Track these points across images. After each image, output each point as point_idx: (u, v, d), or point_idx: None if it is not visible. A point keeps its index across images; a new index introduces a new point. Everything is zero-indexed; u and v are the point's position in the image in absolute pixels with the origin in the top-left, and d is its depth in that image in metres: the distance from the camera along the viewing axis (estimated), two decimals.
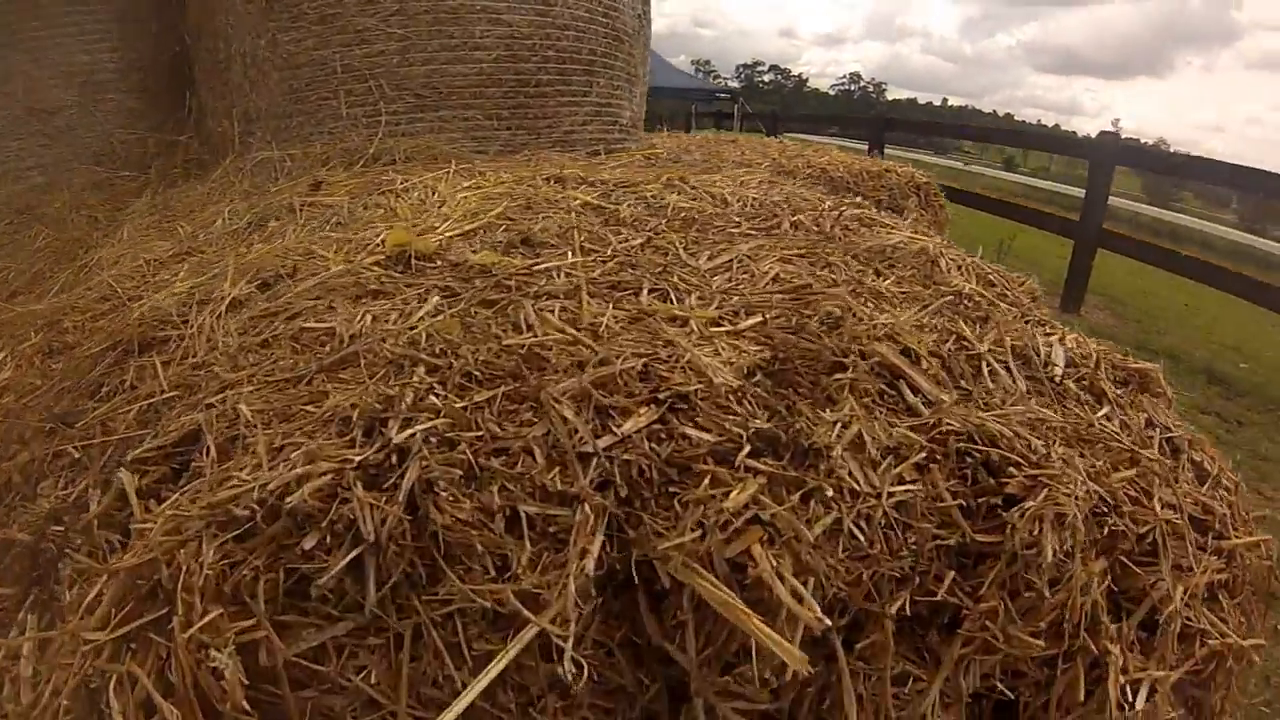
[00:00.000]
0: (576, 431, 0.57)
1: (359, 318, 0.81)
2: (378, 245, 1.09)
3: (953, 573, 0.57)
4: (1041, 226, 4.57)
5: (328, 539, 0.51)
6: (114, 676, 0.49)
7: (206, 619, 0.48)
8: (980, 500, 0.60)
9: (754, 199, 1.37)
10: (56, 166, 2.25)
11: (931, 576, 0.56)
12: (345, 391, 0.65)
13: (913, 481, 0.58)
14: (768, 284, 0.90)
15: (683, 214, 1.22)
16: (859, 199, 1.83)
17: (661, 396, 0.60)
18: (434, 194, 1.41)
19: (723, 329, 0.75)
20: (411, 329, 0.76)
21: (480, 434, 0.58)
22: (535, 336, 0.72)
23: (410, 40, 1.98)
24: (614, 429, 0.57)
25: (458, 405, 0.60)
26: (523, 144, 2.06)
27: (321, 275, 0.99)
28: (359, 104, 1.99)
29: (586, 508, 0.52)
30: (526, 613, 0.49)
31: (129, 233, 1.68)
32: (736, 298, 0.84)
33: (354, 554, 0.50)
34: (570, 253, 0.98)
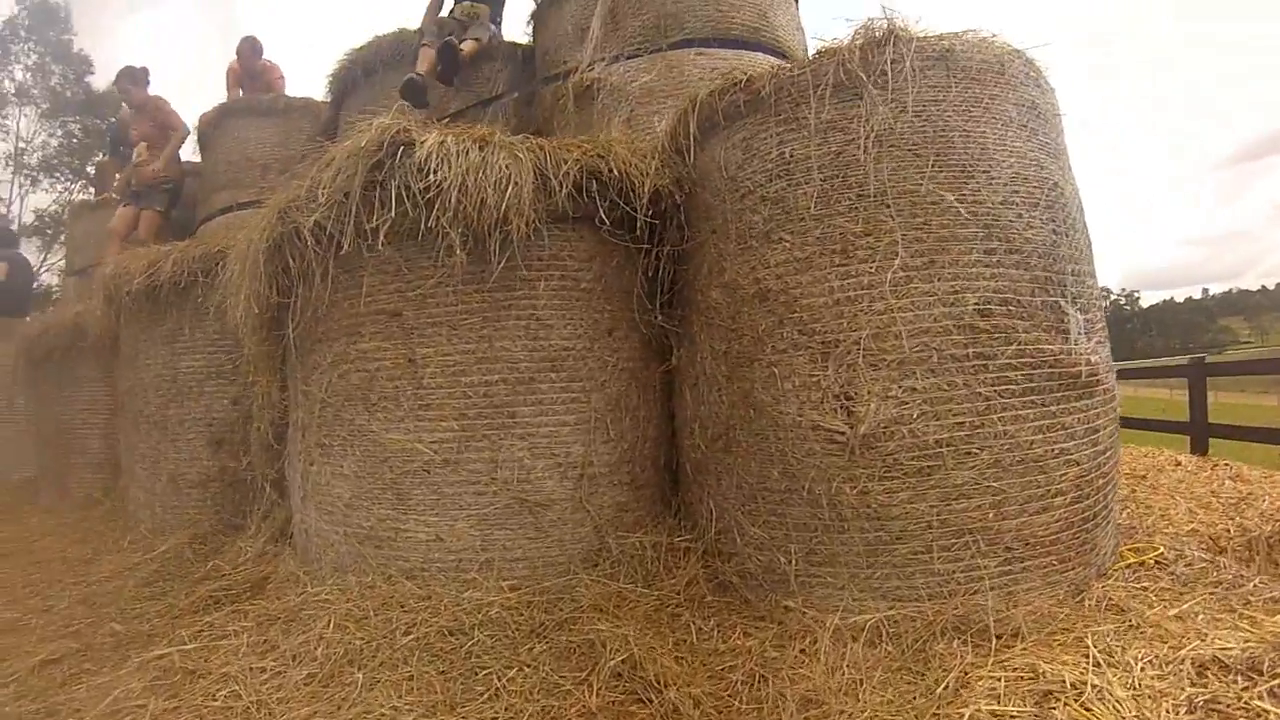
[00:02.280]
0: None
1: None
2: None
3: None
4: None
5: None
6: None
7: None
8: None
9: None
10: (545, 563, 1.99)
11: None
12: None
13: None
14: None
15: None
16: None
17: None
18: None
19: None
20: None
21: None
22: None
23: (1004, 493, 1.86)
24: None
25: None
26: (1083, 580, 1.99)
27: None
28: (953, 559, 1.85)
29: None
30: None
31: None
32: None
33: None
34: None
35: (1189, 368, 4.26)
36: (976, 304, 1.90)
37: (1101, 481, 2.07)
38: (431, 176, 1.85)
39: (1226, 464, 3.54)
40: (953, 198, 1.95)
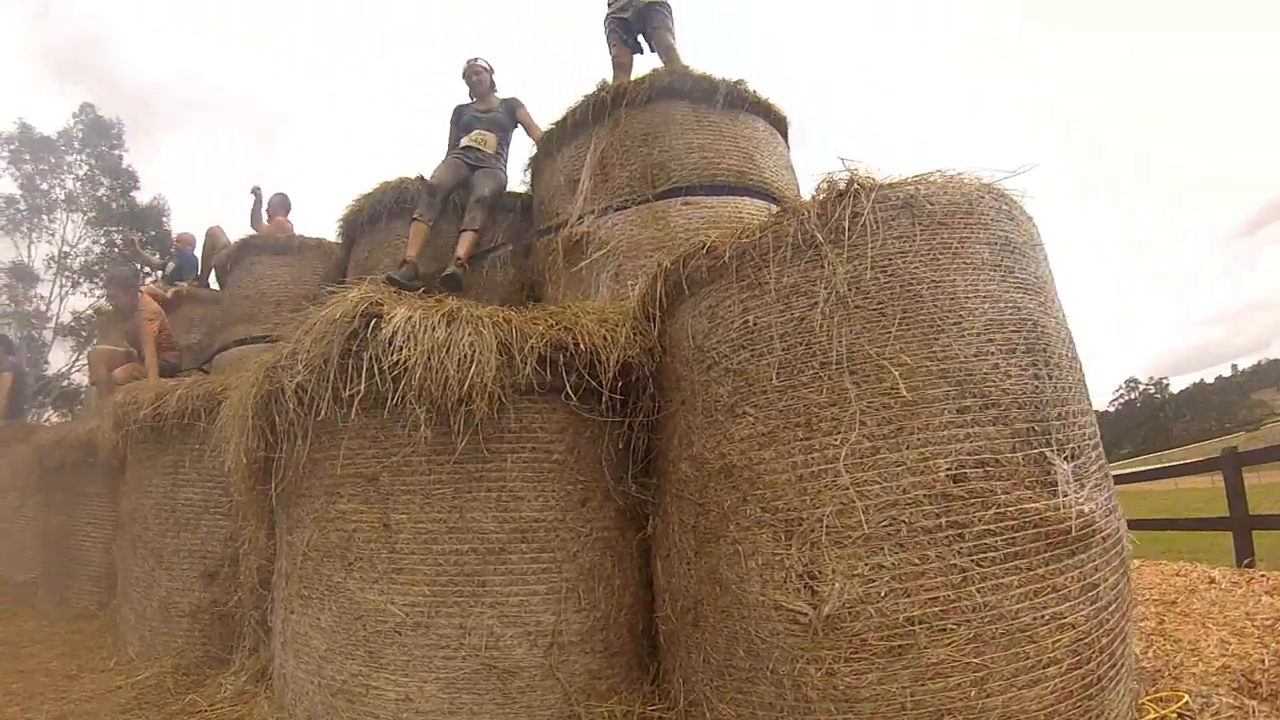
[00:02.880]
0: None
1: None
2: None
3: None
4: None
5: None
6: None
7: None
8: None
9: None
10: None
11: None
12: None
13: None
14: None
15: None
16: None
17: None
18: None
19: None
20: None
21: None
22: None
23: (987, 669, 1.78)
24: None
25: None
26: None
27: None
28: None
29: None
30: None
31: None
32: None
33: None
34: None
35: (1222, 460, 4.08)
36: (949, 469, 1.85)
37: (1106, 640, 1.96)
38: (397, 355, 1.90)
39: (1264, 575, 3.36)
40: (921, 357, 1.93)
